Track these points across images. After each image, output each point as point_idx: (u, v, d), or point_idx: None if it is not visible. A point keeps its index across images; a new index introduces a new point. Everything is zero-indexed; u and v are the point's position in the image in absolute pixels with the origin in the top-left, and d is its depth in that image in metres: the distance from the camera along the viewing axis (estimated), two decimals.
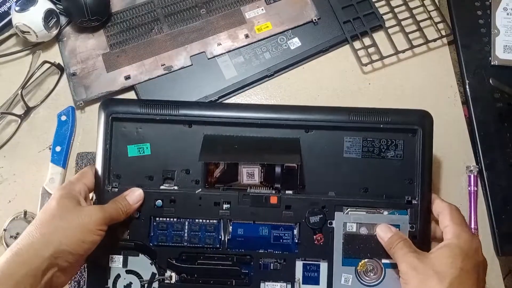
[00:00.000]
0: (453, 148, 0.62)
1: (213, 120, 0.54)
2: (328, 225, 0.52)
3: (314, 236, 0.52)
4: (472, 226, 0.59)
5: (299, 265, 0.52)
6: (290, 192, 0.53)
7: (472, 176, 0.60)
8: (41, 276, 0.43)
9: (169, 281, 0.52)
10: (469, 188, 0.60)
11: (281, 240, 0.53)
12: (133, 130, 0.54)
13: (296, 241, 0.52)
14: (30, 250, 0.44)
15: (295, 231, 0.52)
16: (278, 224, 0.53)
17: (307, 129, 0.54)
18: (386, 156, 0.53)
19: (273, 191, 0.53)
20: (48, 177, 0.60)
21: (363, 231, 0.52)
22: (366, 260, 0.51)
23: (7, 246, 0.58)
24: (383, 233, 0.51)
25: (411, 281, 0.45)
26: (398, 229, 0.51)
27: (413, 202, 0.52)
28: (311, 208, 0.52)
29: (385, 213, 0.52)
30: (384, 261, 0.51)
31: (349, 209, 0.52)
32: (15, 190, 0.61)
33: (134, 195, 0.52)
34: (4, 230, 0.58)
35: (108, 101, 0.55)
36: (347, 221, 0.52)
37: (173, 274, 0.52)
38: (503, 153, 0.62)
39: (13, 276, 0.42)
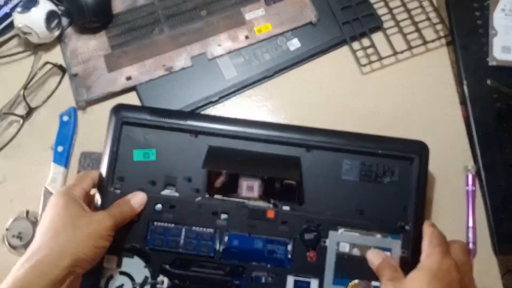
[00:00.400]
0: (452, 148, 0.63)
1: (219, 132, 0.55)
2: (322, 243, 0.53)
3: (307, 253, 0.53)
4: (470, 225, 0.59)
5: (290, 280, 0.53)
6: (287, 208, 0.54)
7: (470, 176, 0.61)
8: (59, 285, 0.44)
9: (160, 286, 0.52)
10: (467, 188, 0.61)
11: (274, 255, 0.53)
12: (141, 135, 0.55)
13: (289, 256, 0.53)
14: (49, 262, 0.44)
15: (289, 247, 0.53)
16: (273, 238, 0.53)
17: (308, 148, 0.55)
18: (383, 182, 0.55)
19: (271, 206, 0.54)
20: (50, 177, 0.60)
21: (356, 252, 0.53)
22: (357, 281, 0.52)
23: (10, 245, 0.58)
24: (374, 258, 0.51)
25: None
26: (389, 252, 0.52)
27: (406, 228, 0.53)
28: (307, 225, 0.53)
29: (378, 236, 0.53)
30: (374, 283, 0.51)
31: (343, 229, 0.53)
32: (17, 190, 0.61)
33: (138, 199, 0.53)
34: (7, 229, 0.59)
35: (120, 106, 0.56)
36: (341, 241, 0.53)
37: (166, 279, 0.53)
38: (502, 153, 0.62)
39: None
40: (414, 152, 0.54)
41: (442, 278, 0.46)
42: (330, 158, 0.55)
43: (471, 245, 0.58)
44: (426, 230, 0.51)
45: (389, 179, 0.55)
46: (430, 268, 0.46)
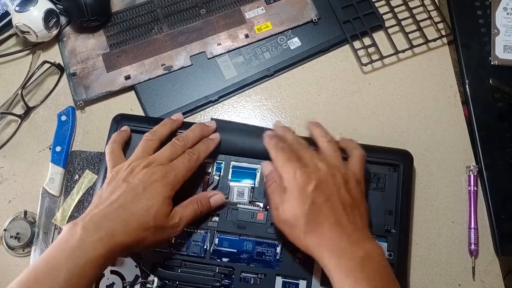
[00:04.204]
0: (453, 148, 0.62)
1: None
2: None
3: (296, 255, 0.54)
4: (472, 226, 0.59)
5: (278, 281, 0.53)
6: None
7: (472, 176, 0.60)
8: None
9: (150, 286, 0.53)
10: (469, 188, 0.60)
11: (263, 256, 0.54)
12: (139, 142, 0.56)
13: (278, 258, 0.54)
14: (121, 250, 0.47)
15: (278, 249, 0.54)
16: (262, 240, 0.54)
17: None
18: (369, 187, 0.56)
19: (261, 209, 0.55)
20: (48, 177, 0.60)
21: None
22: None
23: (8, 246, 0.58)
24: (264, 168, 0.53)
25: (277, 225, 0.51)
26: None
27: (391, 231, 0.54)
28: None
29: None
30: None
31: None
32: (15, 190, 0.61)
33: (217, 198, 0.55)
34: (5, 230, 0.58)
35: (121, 116, 0.59)
36: None
37: (156, 279, 0.54)
38: (503, 153, 0.62)
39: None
40: (399, 160, 0.56)
41: (304, 196, 0.47)
42: None
43: (473, 246, 0.58)
44: (267, 167, 0.52)
45: (375, 185, 0.56)
46: (291, 190, 0.48)
